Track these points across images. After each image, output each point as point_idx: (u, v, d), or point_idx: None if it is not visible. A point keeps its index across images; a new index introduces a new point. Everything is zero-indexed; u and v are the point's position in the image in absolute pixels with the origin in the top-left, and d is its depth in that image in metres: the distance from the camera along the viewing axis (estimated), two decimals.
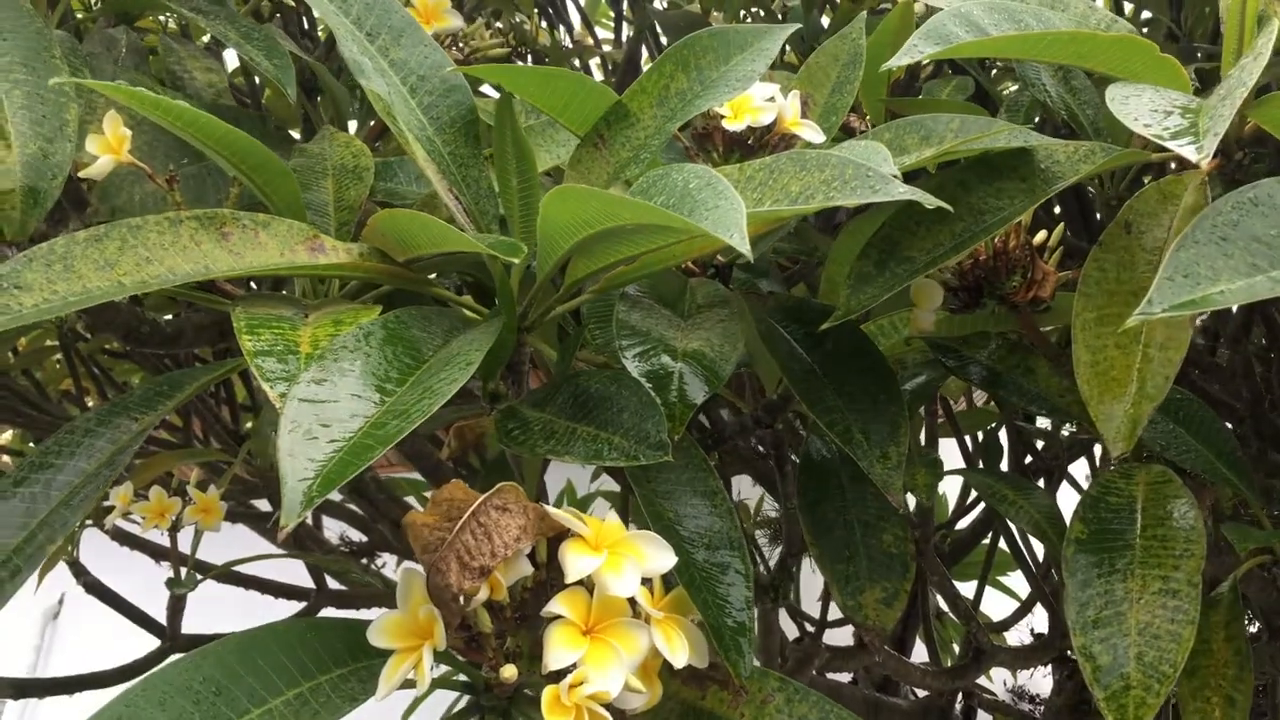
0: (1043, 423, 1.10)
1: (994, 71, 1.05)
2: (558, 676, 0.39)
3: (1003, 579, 1.55)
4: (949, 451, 1.05)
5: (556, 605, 0.40)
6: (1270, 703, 0.92)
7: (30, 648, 2.36)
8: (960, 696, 1.23)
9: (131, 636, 1.02)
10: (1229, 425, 0.67)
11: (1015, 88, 0.89)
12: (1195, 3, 1.04)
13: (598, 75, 1.46)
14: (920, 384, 0.66)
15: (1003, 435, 1.08)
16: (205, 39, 0.97)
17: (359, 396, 0.40)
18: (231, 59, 1.03)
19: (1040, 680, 1.58)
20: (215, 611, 1.07)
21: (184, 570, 0.90)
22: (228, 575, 1.13)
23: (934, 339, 0.63)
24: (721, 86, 0.56)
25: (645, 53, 1.29)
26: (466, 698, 0.45)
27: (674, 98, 0.57)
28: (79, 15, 0.83)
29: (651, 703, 0.42)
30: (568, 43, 1.44)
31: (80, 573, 1.03)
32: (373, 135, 0.82)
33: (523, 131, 0.53)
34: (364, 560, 1.27)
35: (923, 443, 0.93)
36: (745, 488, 1.29)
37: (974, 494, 1.23)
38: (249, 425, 1.27)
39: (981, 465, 1.08)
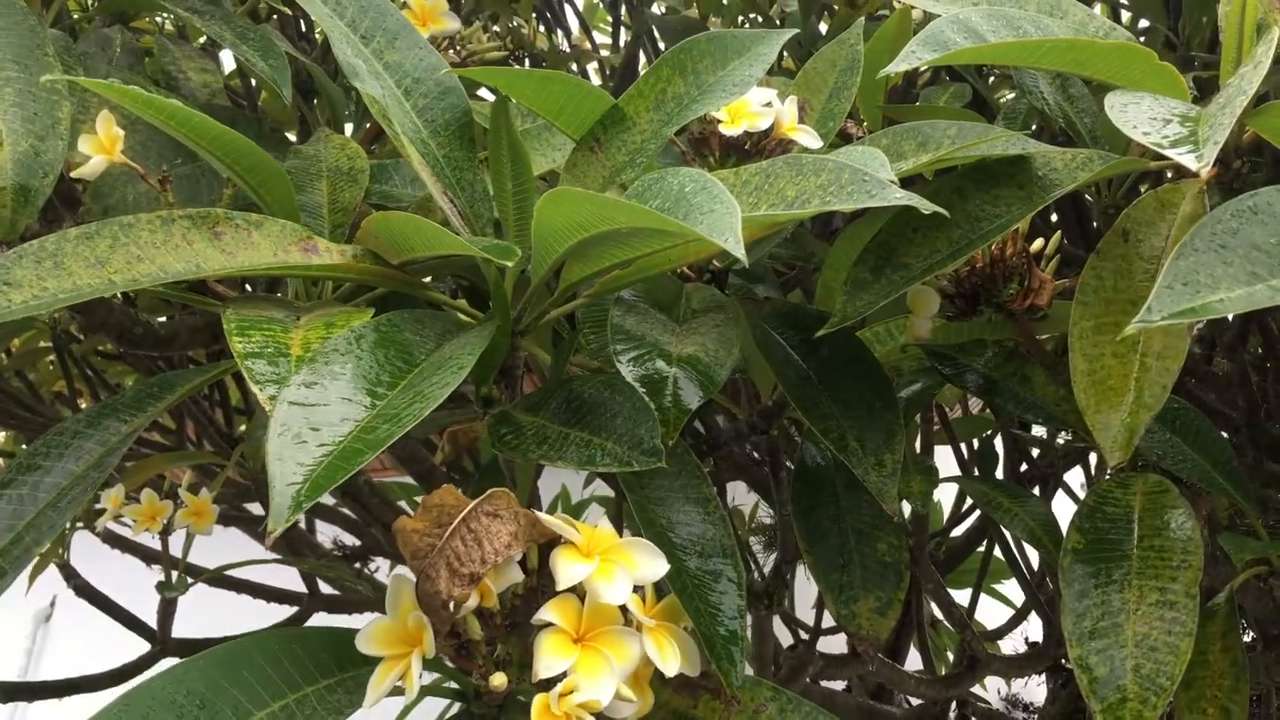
0: (1038, 430, 1.10)
1: (991, 79, 1.05)
2: (548, 685, 0.38)
3: (998, 586, 1.55)
4: (944, 458, 1.04)
5: (547, 613, 0.39)
6: (1265, 713, 0.92)
7: (21, 650, 2.34)
8: (954, 705, 1.22)
9: (124, 640, 1.02)
10: (1225, 434, 0.67)
11: (1013, 95, 0.88)
12: (1193, 11, 1.04)
13: (595, 80, 1.46)
14: (916, 391, 0.65)
15: (998, 442, 1.07)
16: (202, 40, 0.96)
17: (349, 400, 0.39)
18: (228, 60, 1.02)
19: (1034, 689, 1.58)
20: (209, 615, 1.07)
21: (175, 574, 0.89)
22: (220, 579, 1.12)
23: (930, 346, 0.63)
24: (718, 91, 0.56)
25: (643, 57, 1.29)
26: (457, 705, 0.44)
27: (670, 102, 0.56)
28: (75, 15, 0.83)
29: (642, 711, 0.41)
30: (566, 47, 1.44)
31: (70, 575, 1.02)
32: (369, 137, 0.81)
33: (518, 134, 0.52)
34: (357, 565, 1.26)
35: (918, 450, 0.92)
36: (740, 493, 1.29)
37: (969, 501, 1.23)
38: (242, 428, 1.26)
39: (977, 473, 1.08)
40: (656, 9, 1.37)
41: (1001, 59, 0.51)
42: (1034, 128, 0.81)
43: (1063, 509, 0.71)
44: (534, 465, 0.57)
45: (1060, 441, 1.06)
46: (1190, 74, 0.86)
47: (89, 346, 1.25)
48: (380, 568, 1.31)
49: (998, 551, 1.13)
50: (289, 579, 1.20)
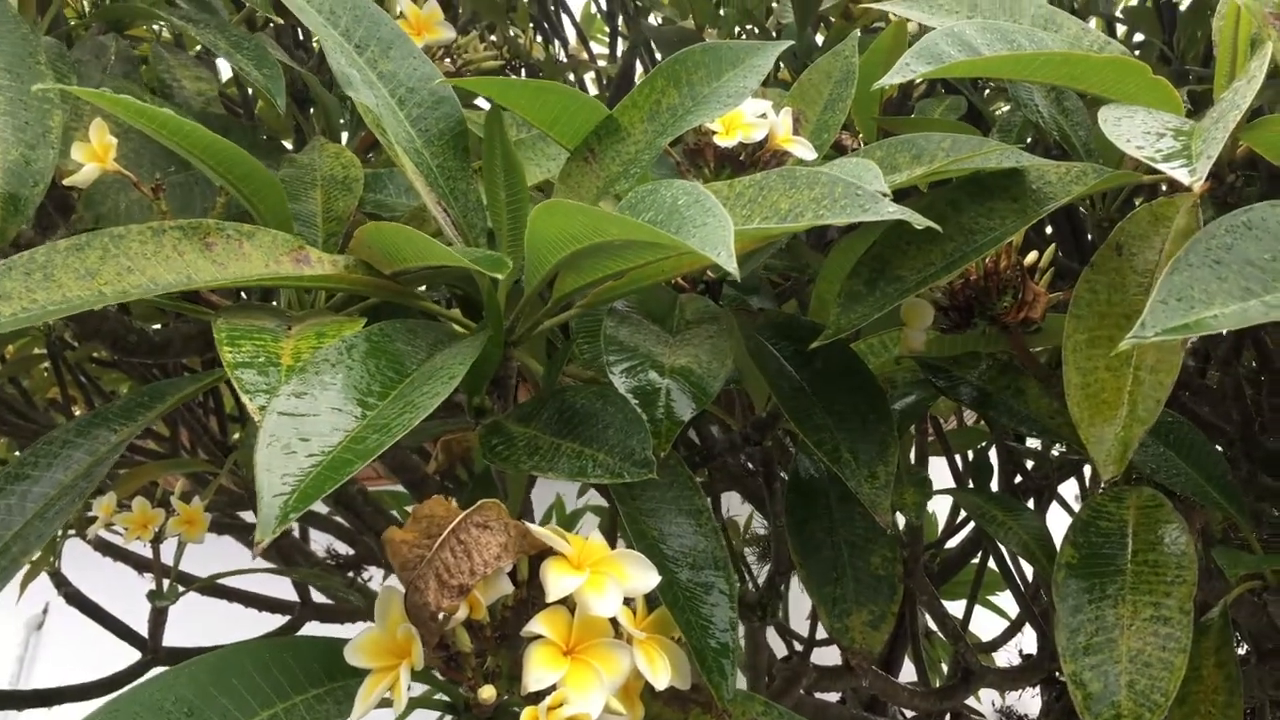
0: (1033, 443, 1.10)
1: (987, 92, 1.05)
2: (537, 697, 0.38)
3: (992, 598, 1.55)
4: (939, 470, 1.04)
5: (537, 625, 0.39)
6: None
7: (13, 658, 2.34)
8: (949, 717, 1.22)
9: (117, 648, 1.01)
10: (1219, 448, 0.67)
11: (1008, 108, 0.89)
12: (1188, 25, 1.05)
13: (592, 90, 1.46)
14: (910, 404, 0.65)
15: (993, 455, 1.07)
16: (198, 48, 0.96)
17: (339, 410, 0.39)
18: (226, 69, 1.02)
19: (1029, 701, 1.57)
20: (201, 624, 1.07)
21: (166, 582, 0.89)
22: (212, 588, 1.12)
23: (924, 359, 0.63)
24: (713, 102, 0.56)
25: (640, 68, 1.29)
26: (448, 718, 0.44)
27: (665, 113, 0.56)
28: (73, 22, 0.83)
29: None
30: (563, 57, 1.45)
31: (61, 583, 1.01)
32: (364, 147, 0.81)
33: (511, 145, 0.52)
34: (350, 574, 1.26)
35: (912, 461, 0.92)
36: (735, 504, 1.28)
37: (964, 513, 1.23)
38: (237, 436, 1.26)
39: (971, 485, 1.08)
40: (653, 20, 1.37)
41: (996, 72, 0.51)
42: (1029, 141, 0.81)
43: (1057, 521, 0.70)
44: (526, 476, 0.57)
45: (1055, 454, 1.06)
46: (1185, 88, 0.86)
47: (83, 353, 1.25)
48: (373, 577, 1.30)
49: (992, 563, 1.13)
50: (282, 588, 1.20)
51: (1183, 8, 1.09)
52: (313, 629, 1.16)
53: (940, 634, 1.23)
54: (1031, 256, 0.60)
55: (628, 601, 0.41)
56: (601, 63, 1.49)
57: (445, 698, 0.44)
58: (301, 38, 1.05)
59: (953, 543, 1.28)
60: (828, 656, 1.16)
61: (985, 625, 1.47)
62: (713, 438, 0.80)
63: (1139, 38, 1.14)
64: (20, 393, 1.27)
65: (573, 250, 0.44)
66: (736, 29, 1.18)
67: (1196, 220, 0.49)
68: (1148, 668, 0.45)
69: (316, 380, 0.40)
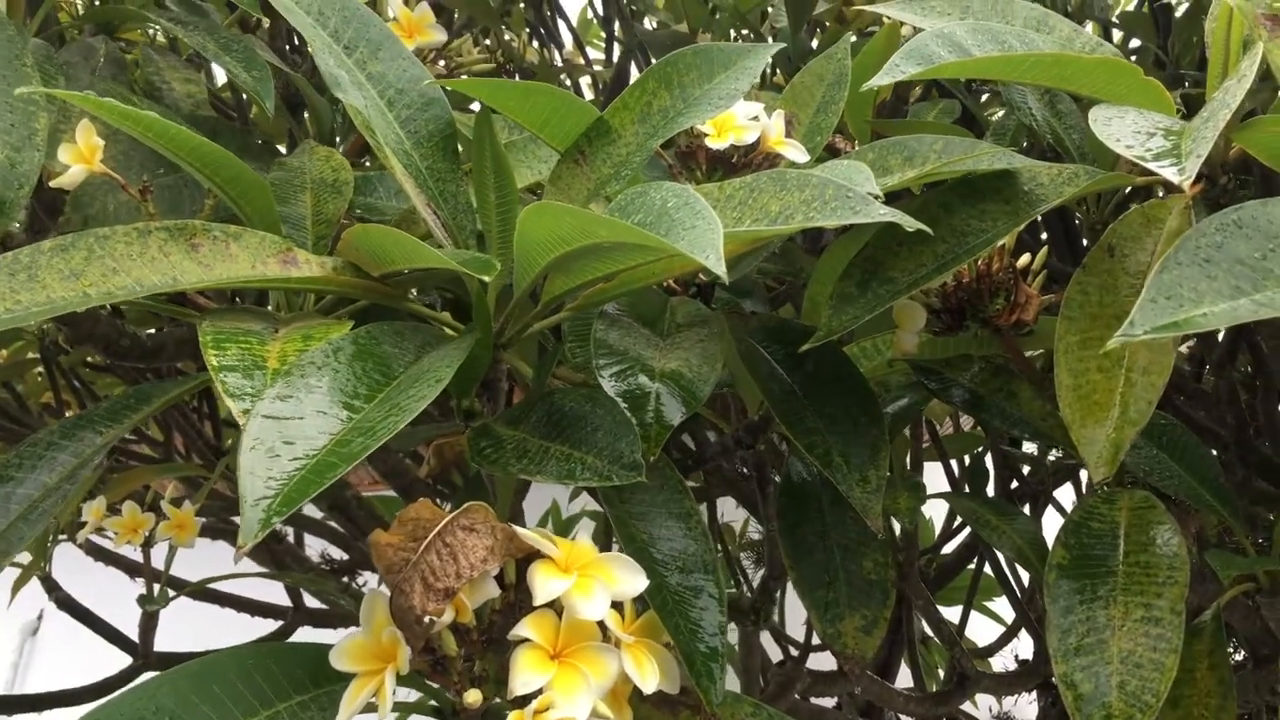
0: (1029, 448, 1.10)
1: (984, 97, 1.05)
2: (524, 701, 0.38)
3: (989, 604, 1.55)
4: (935, 476, 1.04)
5: (524, 628, 0.39)
6: None
7: (8, 664, 2.33)
8: None
9: (111, 654, 1.01)
10: (1214, 451, 0.67)
11: (1002, 113, 0.89)
12: (1183, 30, 1.05)
13: (589, 94, 1.46)
14: (903, 406, 0.65)
15: (989, 460, 1.07)
16: (193, 51, 0.96)
17: (325, 413, 0.39)
18: (223, 73, 1.02)
19: (1026, 707, 1.57)
20: (195, 629, 1.06)
21: (157, 587, 0.88)
22: (206, 593, 1.11)
23: (917, 361, 0.63)
24: (704, 104, 0.56)
25: (635, 71, 1.29)
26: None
27: (656, 115, 0.56)
28: (66, 23, 0.83)
29: None
30: (559, 62, 1.45)
31: (52, 588, 1.01)
32: (355, 151, 0.81)
33: (501, 146, 0.52)
34: (344, 579, 1.25)
35: (908, 467, 0.92)
36: (730, 510, 1.28)
37: (960, 519, 1.22)
38: (230, 442, 1.25)
39: (968, 490, 1.08)
40: (648, 24, 1.37)
41: (986, 73, 0.51)
42: (1024, 144, 0.81)
43: (1053, 527, 0.70)
44: (515, 479, 0.56)
45: (1051, 459, 1.06)
46: (1178, 91, 0.86)
47: (77, 358, 1.25)
48: (368, 582, 1.30)
49: (988, 569, 1.13)
50: (276, 593, 1.19)
51: (1179, 14, 1.09)
52: (306, 634, 1.16)
53: (936, 639, 1.23)
54: (1024, 259, 0.60)
55: (616, 605, 0.41)
56: (598, 68, 1.49)
57: (434, 702, 0.44)
58: (297, 41, 1.05)
59: (949, 548, 1.27)
60: (824, 662, 1.15)
61: (982, 631, 1.47)
62: (708, 442, 0.79)
63: (1136, 43, 1.14)
64: (14, 397, 1.27)
65: (562, 252, 0.43)
66: (731, 33, 1.18)
67: (1189, 222, 0.49)
68: (1139, 669, 0.45)
69: (302, 383, 0.40)
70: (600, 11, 1.46)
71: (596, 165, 0.56)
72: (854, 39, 0.92)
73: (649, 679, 0.40)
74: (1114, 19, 1.17)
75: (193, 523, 0.83)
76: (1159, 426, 0.59)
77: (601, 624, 0.40)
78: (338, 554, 1.30)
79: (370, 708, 0.39)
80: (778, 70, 1.12)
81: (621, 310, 0.56)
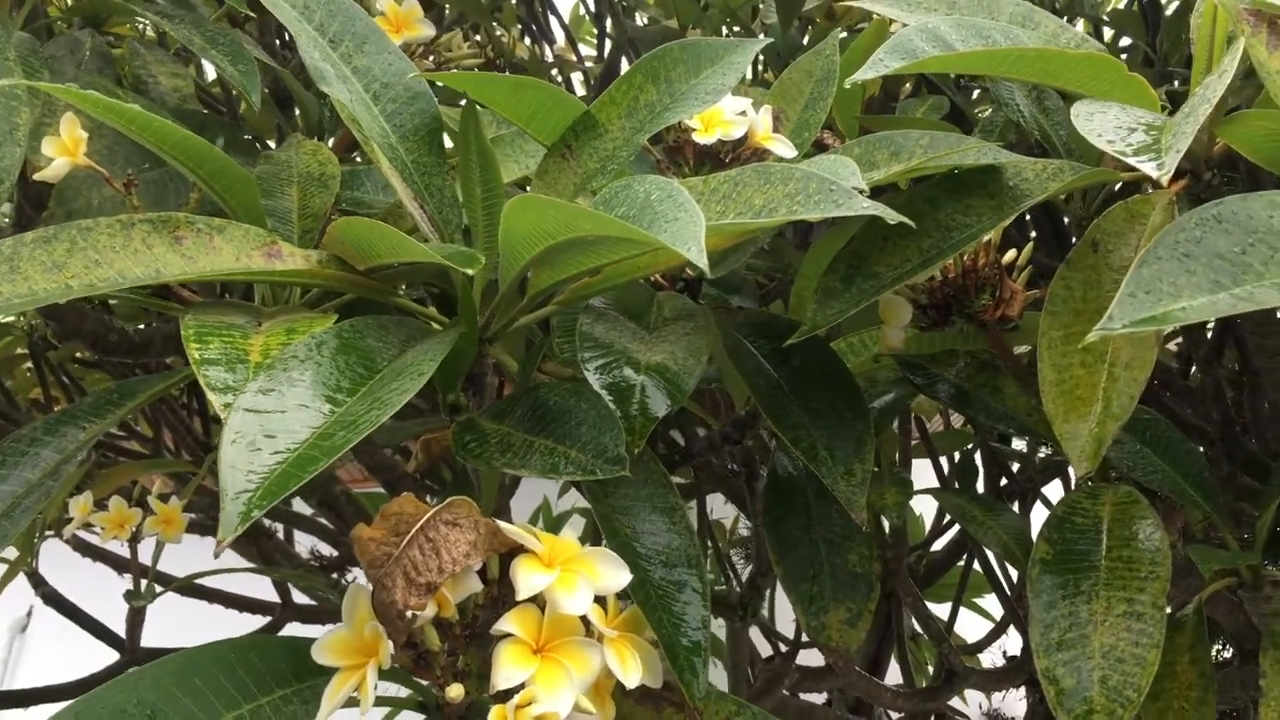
0: (1019, 444, 1.10)
1: (975, 94, 1.05)
2: (507, 696, 0.38)
3: (979, 600, 1.55)
4: (924, 473, 1.04)
5: (506, 623, 0.39)
6: None
7: None
8: (933, 718, 1.22)
9: (100, 650, 1.01)
10: (1200, 447, 0.67)
11: (991, 110, 0.89)
12: (1172, 28, 1.05)
13: (580, 91, 1.46)
14: (889, 401, 0.65)
15: (978, 456, 1.07)
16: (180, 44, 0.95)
17: (307, 407, 0.39)
18: (211, 67, 1.02)
19: (1015, 703, 1.57)
20: (184, 625, 1.06)
21: (144, 582, 0.88)
22: (194, 589, 1.11)
23: (903, 356, 0.63)
24: (691, 99, 0.56)
25: (625, 67, 1.29)
26: (419, 717, 0.44)
27: (643, 109, 0.56)
28: (54, 16, 0.82)
29: None
30: (550, 57, 1.44)
31: (39, 584, 1.01)
32: (344, 145, 0.81)
33: (487, 140, 0.52)
34: (334, 575, 1.25)
35: (898, 463, 0.92)
36: (720, 505, 1.28)
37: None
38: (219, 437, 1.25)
39: (957, 486, 1.08)
40: (639, 20, 1.37)
41: (970, 68, 0.51)
42: (1012, 140, 0.81)
43: (1042, 522, 0.70)
44: (498, 473, 0.56)
45: (1040, 456, 1.06)
46: (1165, 88, 0.87)
47: (65, 353, 1.24)
48: (357, 578, 1.30)
49: (978, 565, 1.13)
50: (265, 589, 1.19)
51: (1170, 11, 1.09)
52: (294, 630, 1.16)
53: (925, 635, 1.23)
54: (1010, 254, 0.60)
55: (599, 600, 0.41)
56: (590, 64, 1.48)
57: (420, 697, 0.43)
58: (287, 37, 1.04)
59: (939, 545, 1.27)
60: (814, 658, 1.15)
61: (971, 627, 1.47)
62: (697, 438, 0.79)
63: (1128, 41, 1.14)
64: (3, 393, 1.26)
65: (546, 245, 0.43)
66: (723, 29, 1.18)
67: (1172, 217, 0.49)
68: (1120, 663, 0.45)
69: (284, 377, 0.40)
70: (592, 7, 1.46)
71: (583, 159, 0.56)
72: (843, 35, 0.92)
73: (631, 673, 0.40)
74: (1104, 16, 1.17)
75: (180, 518, 0.83)
76: (1143, 422, 0.59)
77: (584, 619, 0.40)
78: (328, 550, 1.30)
79: (353, 702, 0.39)
80: (766, 66, 1.12)
81: (608, 304, 0.56)
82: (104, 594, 1.09)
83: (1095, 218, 0.56)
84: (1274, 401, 0.75)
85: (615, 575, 0.41)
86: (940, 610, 1.28)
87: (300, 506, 1.22)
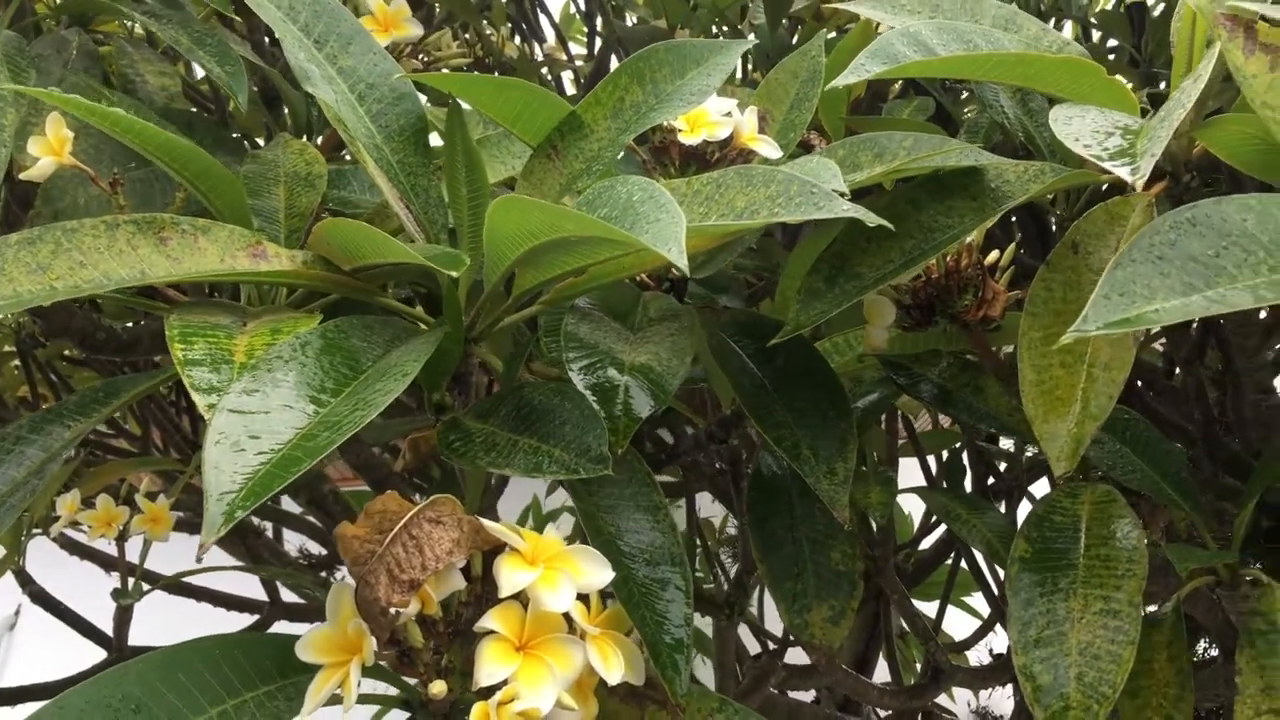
0: (1006, 444, 1.11)
1: (964, 95, 1.06)
2: (489, 693, 0.38)
3: (967, 599, 1.56)
4: (912, 472, 1.05)
5: (489, 620, 0.39)
6: None
7: None
8: (921, 716, 1.22)
9: (89, 648, 1.00)
10: (1183, 447, 0.67)
11: (976, 111, 0.89)
12: (1156, 29, 1.05)
13: (570, 90, 1.46)
14: (872, 401, 0.66)
15: (966, 456, 1.08)
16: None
17: (291, 407, 0.39)
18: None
19: (1003, 701, 1.58)
20: (171, 623, 1.06)
21: (131, 580, 0.88)
22: (182, 587, 1.11)
23: (887, 356, 0.63)
24: (676, 100, 0.56)
25: (614, 66, 1.29)
26: (406, 714, 0.44)
27: (628, 110, 0.56)
28: (42, 15, 0.82)
29: None
30: (539, 56, 1.44)
31: (26, 582, 1.01)
32: (333, 145, 0.81)
33: (473, 141, 0.52)
34: (322, 573, 1.25)
35: (885, 463, 0.93)
36: (709, 505, 1.28)
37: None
38: None
39: (945, 485, 1.08)
40: (629, 20, 1.37)
41: (951, 72, 0.52)
42: (997, 142, 0.81)
43: None
44: (484, 473, 0.57)
45: (1027, 455, 1.07)
46: (1149, 90, 0.87)
47: (54, 351, 1.24)
48: (345, 576, 1.29)
49: (965, 564, 1.13)
50: (253, 587, 1.19)
51: (1157, 13, 1.10)
52: (282, 629, 1.16)
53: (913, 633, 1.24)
54: (992, 255, 0.60)
55: (582, 597, 0.41)
56: (580, 62, 1.49)
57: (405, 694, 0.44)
58: (276, 36, 1.04)
59: (927, 543, 1.28)
60: (802, 656, 1.16)
61: (959, 626, 1.48)
62: (685, 437, 0.80)
63: (1115, 43, 1.15)
64: None
65: (530, 246, 0.44)
66: (712, 29, 1.18)
67: (1152, 219, 0.49)
68: (1096, 660, 0.45)
69: (268, 377, 0.40)
70: (583, 7, 1.46)
71: (569, 160, 0.56)
72: (831, 36, 0.92)
73: (614, 670, 0.40)
74: (1092, 18, 1.18)
75: (167, 516, 0.83)
76: (1123, 421, 0.60)
77: (568, 616, 0.40)
78: (316, 548, 1.30)
79: (337, 699, 0.39)
80: (753, 68, 1.12)
81: (593, 304, 0.56)
82: (92, 592, 1.09)
83: (1077, 218, 0.56)
84: (1255, 402, 0.76)
85: (598, 573, 0.41)
86: (928, 608, 1.29)
87: (289, 504, 1.22)
